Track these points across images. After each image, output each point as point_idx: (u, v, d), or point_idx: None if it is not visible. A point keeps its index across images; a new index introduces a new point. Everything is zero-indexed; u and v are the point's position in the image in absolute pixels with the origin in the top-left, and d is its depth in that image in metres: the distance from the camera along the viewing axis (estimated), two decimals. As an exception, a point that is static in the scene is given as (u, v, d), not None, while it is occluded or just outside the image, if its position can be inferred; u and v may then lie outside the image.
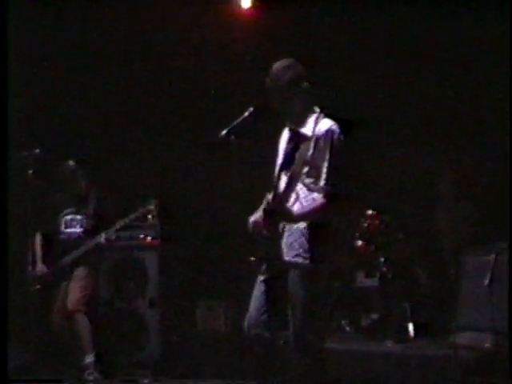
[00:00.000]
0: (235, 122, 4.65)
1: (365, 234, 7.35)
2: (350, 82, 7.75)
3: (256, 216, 4.64)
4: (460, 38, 7.37)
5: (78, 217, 7.07)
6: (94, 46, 8.16)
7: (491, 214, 7.43)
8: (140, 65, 8.30)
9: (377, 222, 7.36)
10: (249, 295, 4.69)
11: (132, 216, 6.87)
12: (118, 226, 6.88)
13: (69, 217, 7.09)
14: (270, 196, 4.64)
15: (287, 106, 4.64)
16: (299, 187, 4.58)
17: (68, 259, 6.93)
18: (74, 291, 6.83)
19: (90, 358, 6.68)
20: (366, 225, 7.37)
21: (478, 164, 7.60)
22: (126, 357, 7.23)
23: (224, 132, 4.64)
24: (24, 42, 7.37)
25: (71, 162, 7.10)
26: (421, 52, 7.70)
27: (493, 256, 6.07)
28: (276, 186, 4.65)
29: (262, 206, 4.62)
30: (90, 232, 7.00)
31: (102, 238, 6.86)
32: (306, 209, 4.54)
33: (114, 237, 6.95)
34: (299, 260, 4.53)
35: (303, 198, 4.57)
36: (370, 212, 7.38)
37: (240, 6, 7.90)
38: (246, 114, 4.66)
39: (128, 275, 7.46)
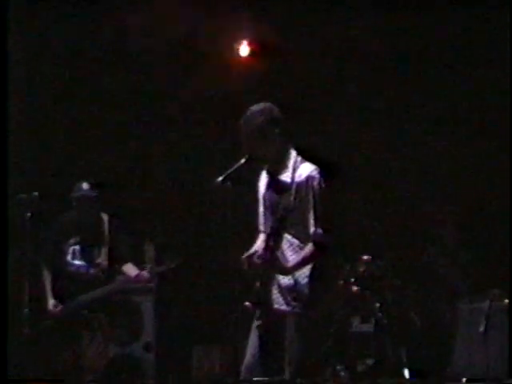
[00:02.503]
0: (231, 169, 4.68)
1: (360, 279, 7.35)
2: (337, 125, 7.80)
3: (251, 251, 4.63)
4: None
5: (87, 248, 6.47)
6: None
7: (487, 261, 7.45)
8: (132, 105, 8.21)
9: (373, 267, 7.37)
10: (245, 339, 4.70)
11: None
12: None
13: (77, 247, 6.49)
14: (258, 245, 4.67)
15: (261, 150, 4.66)
16: (285, 238, 4.58)
17: (87, 298, 6.38)
18: (92, 355, 6.34)
19: None
20: (361, 270, 7.38)
21: (477, 210, 7.63)
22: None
23: (220, 178, 4.66)
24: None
25: (85, 185, 6.50)
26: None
27: (487, 303, 6.08)
28: (263, 239, 4.68)
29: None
30: (103, 267, 6.45)
31: (145, 275, 6.29)
32: (296, 260, 4.55)
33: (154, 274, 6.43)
34: (289, 308, 4.55)
35: (290, 249, 4.58)
36: (365, 257, 7.39)
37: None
38: (242, 161, 4.69)
39: (123, 319, 7.34)
